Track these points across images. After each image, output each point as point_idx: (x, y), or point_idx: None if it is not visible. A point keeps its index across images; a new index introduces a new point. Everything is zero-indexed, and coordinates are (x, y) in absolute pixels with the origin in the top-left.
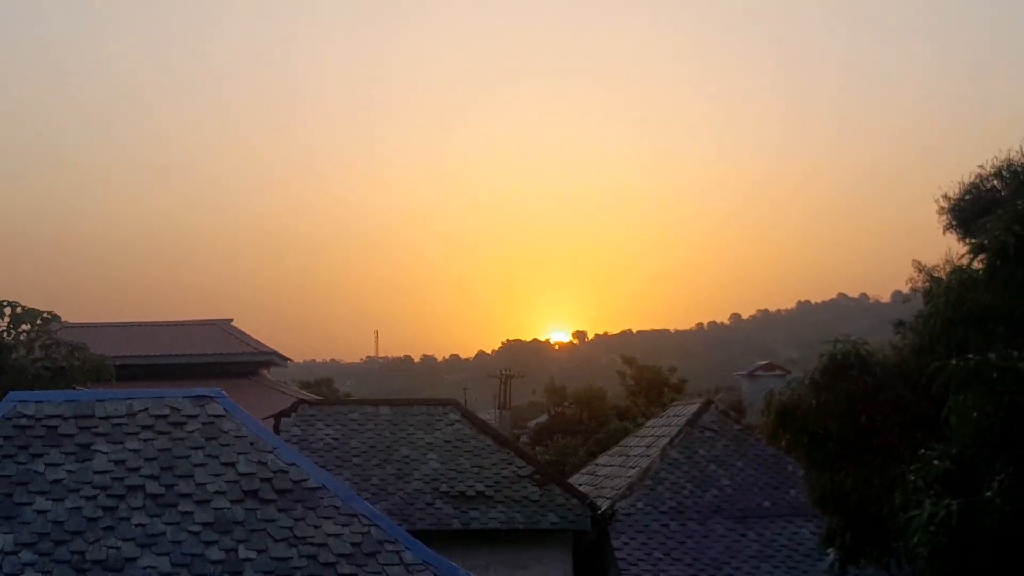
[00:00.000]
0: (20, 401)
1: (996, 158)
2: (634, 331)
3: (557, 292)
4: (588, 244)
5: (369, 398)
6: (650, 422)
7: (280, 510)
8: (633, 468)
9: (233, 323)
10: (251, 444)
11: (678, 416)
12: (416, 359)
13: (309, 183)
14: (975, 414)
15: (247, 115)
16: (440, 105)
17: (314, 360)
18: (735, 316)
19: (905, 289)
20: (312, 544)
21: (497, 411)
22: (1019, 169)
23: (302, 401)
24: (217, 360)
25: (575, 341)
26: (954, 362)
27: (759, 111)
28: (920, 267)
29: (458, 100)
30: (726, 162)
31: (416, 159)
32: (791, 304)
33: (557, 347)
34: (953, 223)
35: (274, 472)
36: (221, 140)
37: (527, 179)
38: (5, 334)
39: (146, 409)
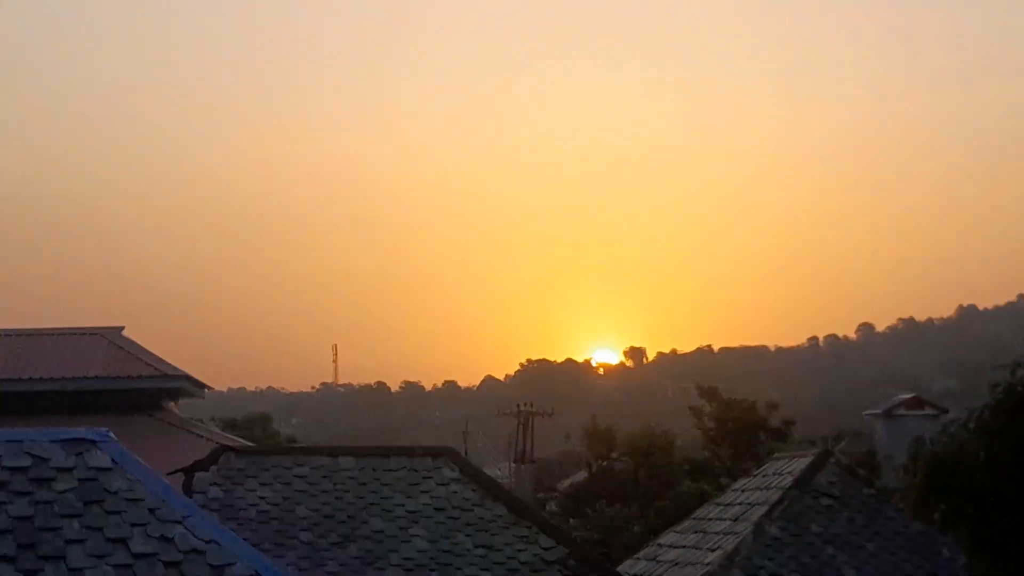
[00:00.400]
0: None
1: None
2: (715, 349)
3: (602, 296)
4: (646, 232)
5: (325, 444)
6: (739, 483)
7: None
8: (714, 551)
9: (125, 333)
10: (151, 511)
11: (780, 475)
12: (394, 388)
13: (241, 138)
14: None
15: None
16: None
17: (244, 388)
18: (865, 328)
19: None
20: None
21: (513, 465)
22: None
23: (226, 448)
24: (101, 387)
25: (628, 363)
26: None
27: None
28: None
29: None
30: (865, 103)
31: (383, 117)
32: (948, 311)
33: (601, 371)
34: None
35: (184, 553)
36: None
37: (557, 145)
38: None
39: None
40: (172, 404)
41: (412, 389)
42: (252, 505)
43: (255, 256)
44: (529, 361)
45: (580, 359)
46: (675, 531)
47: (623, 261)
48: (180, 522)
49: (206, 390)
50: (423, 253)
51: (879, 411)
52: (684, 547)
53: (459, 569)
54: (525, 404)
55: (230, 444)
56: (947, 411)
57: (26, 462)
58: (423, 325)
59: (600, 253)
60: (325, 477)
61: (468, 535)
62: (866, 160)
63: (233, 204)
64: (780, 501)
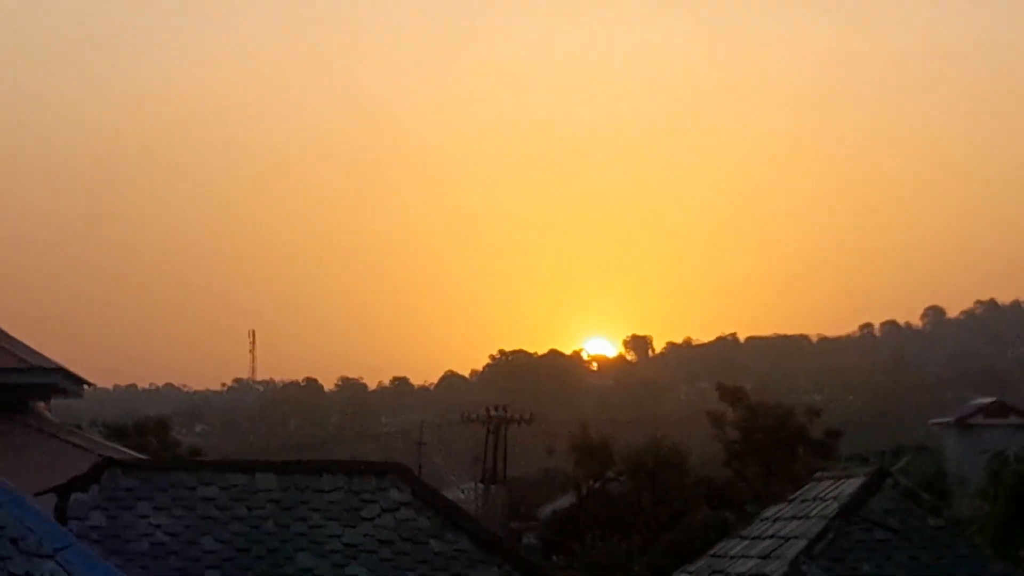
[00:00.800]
0: None
1: None
2: (741, 339)
3: (596, 273)
4: (653, 195)
5: (238, 458)
6: (770, 510)
7: None
8: None
9: None
10: (12, 542)
11: (823, 501)
12: (328, 386)
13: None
14: None
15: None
16: None
17: (134, 386)
18: (934, 313)
19: None
20: None
21: (480, 485)
22: None
23: (111, 462)
24: None
25: (629, 356)
26: None
27: None
28: None
29: None
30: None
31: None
32: None
33: (595, 366)
34: None
35: None
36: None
37: (540, 95)
38: None
39: None
40: (42, 405)
41: (351, 388)
42: (144, 535)
43: (148, 223)
44: (501, 353)
45: (568, 351)
46: (688, 572)
47: (623, 230)
48: (51, 556)
49: (86, 387)
50: (366, 219)
51: (950, 419)
52: None
53: None
54: (496, 408)
55: (116, 456)
56: None
57: None
58: (366, 308)
59: (594, 220)
60: (238, 500)
61: (422, 575)
62: (943, 96)
63: (119, 157)
64: (823, 534)
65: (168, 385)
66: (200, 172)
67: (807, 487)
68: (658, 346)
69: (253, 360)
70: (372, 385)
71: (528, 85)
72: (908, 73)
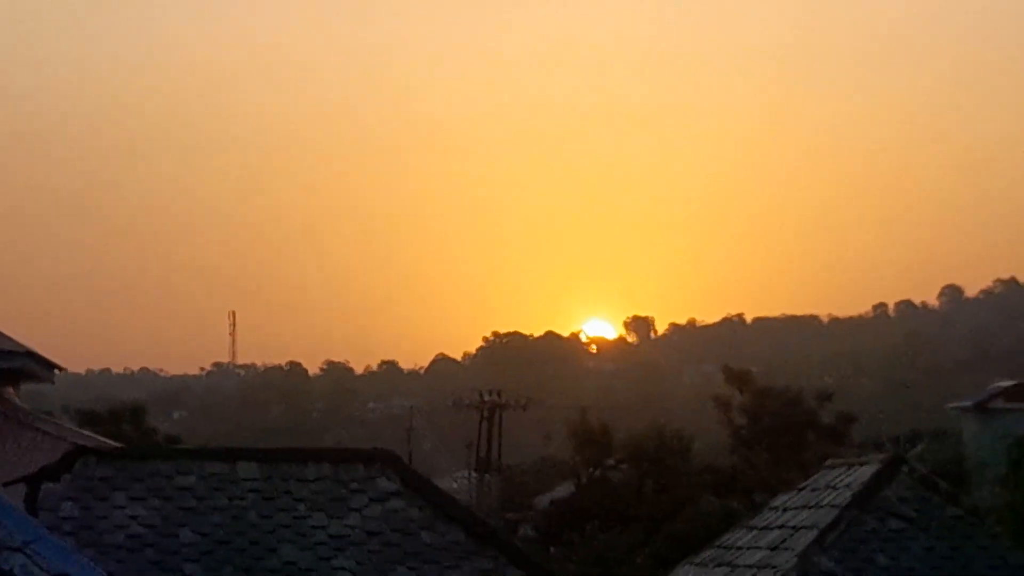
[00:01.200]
0: None
1: None
2: (748, 319)
3: (594, 250)
4: (652, 166)
5: (219, 445)
6: (779, 499)
7: None
8: None
9: None
10: None
11: (835, 489)
12: (312, 370)
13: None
14: None
15: None
16: None
17: (109, 370)
18: (951, 292)
19: None
20: None
21: (473, 474)
22: None
23: (85, 450)
24: None
25: (630, 338)
26: None
27: None
28: None
29: None
30: None
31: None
32: None
33: (594, 348)
34: None
35: None
36: None
37: (533, 72)
38: None
39: None
40: (10, 390)
41: (337, 372)
42: (119, 527)
43: (121, 197)
44: (495, 335)
45: (565, 333)
46: (693, 563)
47: (623, 205)
48: (20, 549)
49: (57, 372)
50: (352, 194)
51: (969, 403)
52: None
53: None
54: (490, 393)
55: (89, 444)
56: None
57: None
58: (352, 287)
59: (592, 195)
60: (218, 490)
61: (412, 568)
62: (959, 64)
63: (90, 130)
64: (835, 524)
65: (144, 369)
66: (175, 145)
67: (818, 475)
68: (660, 327)
69: (233, 343)
70: (359, 369)
71: (521, 62)
72: (919, 41)
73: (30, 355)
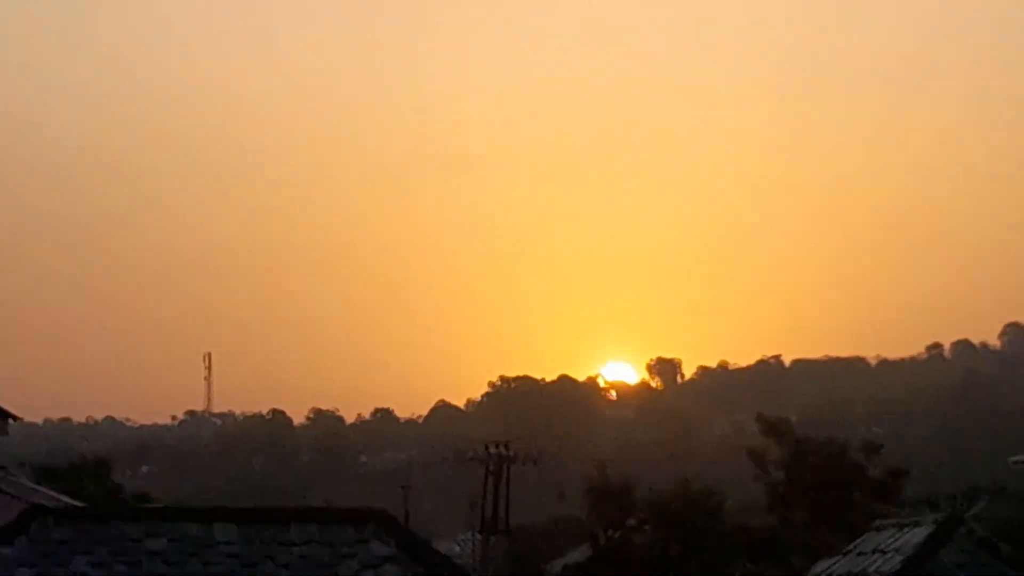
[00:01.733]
0: None
1: None
2: (786, 362)
3: (615, 289)
4: (682, 200)
5: (192, 505)
6: (821, 565)
7: None
8: None
9: None
10: None
11: (884, 553)
12: (298, 419)
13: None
14: None
15: None
16: None
17: (69, 420)
18: (1014, 331)
19: None
20: None
21: (478, 536)
22: None
23: (41, 509)
24: None
25: (653, 382)
26: None
27: None
28: None
29: None
30: None
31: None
32: None
33: (614, 394)
34: None
35: None
36: None
37: (546, 98)
38: None
39: None
40: None
41: (326, 422)
42: None
43: (85, 230)
44: (503, 380)
45: (581, 377)
46: None
47: (647, 238)
48: None
49: (11, 421)
50: (342, 226)
51: None
52: None
53: None
54: (496, 445)
55: (47, 503)
56: None
57: None
58: (343, 328)
59: (612, 227)
60: (192, 555)
61: None
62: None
63: (55, 163)
64: None
65: (108, 418)
66: (147, 174)
67: (864, 537)
68: (688, 371)
69: (209, 389)
70: (350, 418)
71: (534, 87)
72: (981, 68)
73: None
